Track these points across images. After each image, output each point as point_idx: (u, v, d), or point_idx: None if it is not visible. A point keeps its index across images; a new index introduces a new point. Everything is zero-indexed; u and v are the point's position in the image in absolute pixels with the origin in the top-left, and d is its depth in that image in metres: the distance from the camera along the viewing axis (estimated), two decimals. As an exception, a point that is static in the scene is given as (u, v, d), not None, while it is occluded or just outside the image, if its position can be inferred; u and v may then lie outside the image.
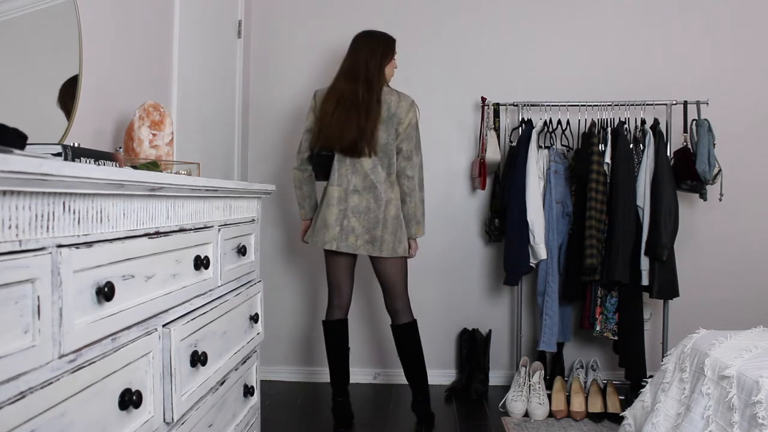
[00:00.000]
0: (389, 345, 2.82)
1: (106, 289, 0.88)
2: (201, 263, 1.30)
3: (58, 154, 1.04)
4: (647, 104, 2.83)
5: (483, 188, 2.93)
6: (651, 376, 2.00)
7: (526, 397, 2.71)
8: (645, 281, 2.68)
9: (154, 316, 1.08)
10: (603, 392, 2.72)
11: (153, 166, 1.50)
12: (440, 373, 3.07)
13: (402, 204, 2.42)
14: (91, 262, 0.86)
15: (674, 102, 2.84)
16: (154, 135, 1.66)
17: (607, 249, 2.65)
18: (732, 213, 3.02)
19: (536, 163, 2.75)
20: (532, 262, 2.75)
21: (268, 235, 3.14)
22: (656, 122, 2.76)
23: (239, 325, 1.58)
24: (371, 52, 2.38)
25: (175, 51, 2.25)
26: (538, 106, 2.92)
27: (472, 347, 3.04)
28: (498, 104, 2.96)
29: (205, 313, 1.31)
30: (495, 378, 3.08)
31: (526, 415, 2.67)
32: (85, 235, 0.86)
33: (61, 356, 0.79)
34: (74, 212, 0.83)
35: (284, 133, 3.15)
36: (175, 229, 1.19)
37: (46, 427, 0.74)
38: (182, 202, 1.23)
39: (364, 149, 2.33)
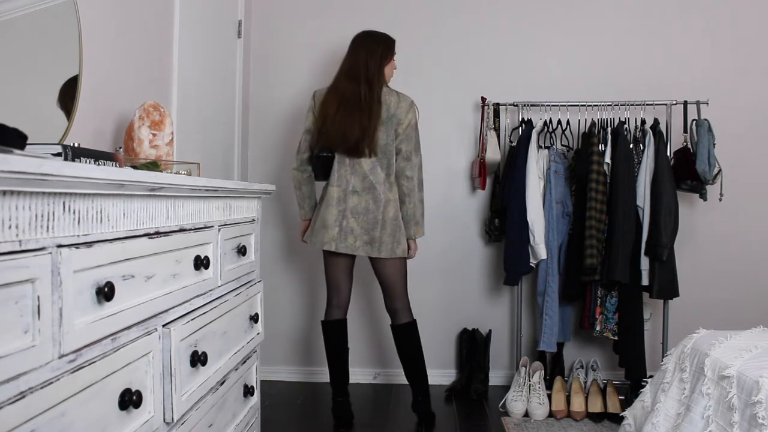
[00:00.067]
0: (389, 345, 2.82)
1: (106, 289, 0.88)
2: (201, 263, 1.30)
3: (58, 154, 1.04)
4: (647, 104, 2.83)
5: (483, 188, 2.93)
6: (651, 376, 2.00)
7: (526, 397, 2.71)
8: (645, 281, 2.68)
9: (154, 316, 1.08)
10: (603, 392, 2.72)
11: (153, 166, 1.50)
12: (440, 373, 3.07)
13: (401, 204, 2.42)
14: (91, 262, 0.86)
15: (674, 102, 2.84)
16: (154, 135, 1.66)
17: (607, 249, 2.65)
18: (732, 213, 3.02)
19: (536, 163, 2.75)
20: (532, 262, 2.75)
21: (268, 235, 3.14)
22: (656, 122, 2.76)
23: (239, 325, 1.58)
24: (371, 52, 2.38)
25: (175, 51, 2.25)
26: (538, 106, 2.92)
27: (472, 347, 3.04)
28: (498, 104, 2.96)
29: (205, 313, 1.31)
30: (495, 378, 3.08)
31: (526, 415, 2.67)
32: (85, 235, 0.86)
33: (61, 356, 0.79)
34: (74, 212, 0.83)
35: (284, 133, 3.15)
36: (175, 229, 1.19)
37: (46, 427, 0.74)
38: (182, 202, 1.23)
39: (364, 150, 2.33)
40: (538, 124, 2.84)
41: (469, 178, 3.13)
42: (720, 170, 2.75)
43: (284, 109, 3.15)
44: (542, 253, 2.71)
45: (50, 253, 0.76)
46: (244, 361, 1.63)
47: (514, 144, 2.89)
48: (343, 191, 2.37)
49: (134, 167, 1.42)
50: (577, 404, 2.66)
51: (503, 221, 2.88)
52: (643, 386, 1.97)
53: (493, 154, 2.88)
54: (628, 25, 3.09)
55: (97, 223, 0.90)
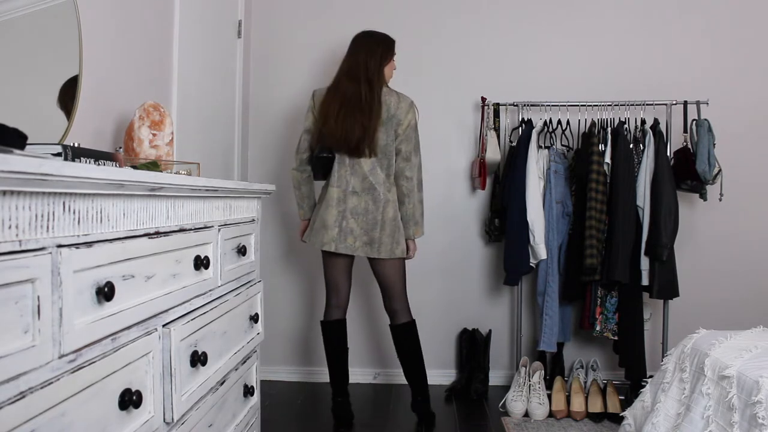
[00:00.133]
0: (389, 345, 2.82)
1: (106, 289, 0.88)
2: (201, 263, 1.30)
3: (58, 154, 1.04)
4: (647, 104, 2.83)
5: (483, 188, 2.93)
6: (651, 376, 2.00)
7: (526, 397, 2.71)
8: (645, 281, 2.68)
9: (154, 316, 1.08)
10: (603, 392, 2.72)
11: (153, 166, 1.50)
12: (440, 373, 3.07)
13: (400, 205, 2.42)
14: (91, 262, 0.86)
15: (674, 102, 2.84)
16: (154, 135, 1.66)
17: (607, 249, 2.65)
18: (732, 213, 3.02)
19: (536, 163, 2.75)
20: (532, 262, 2.75)
21: (267, 235, 3.14)
22: (656, 122, 2.76)
23: (239, 325, 1.58)
24: (371, 52, 2.38)
25: (175, 51, 2.25)
26: (538, 106, 2.92)
27: (472, 347, 3.04)
28: (498, 104, 2.96)
29: (205, 313, 1.31)
30: (495, 378, 3.08)
31: (526, 415, 2.67)
32: (85, 235, 0.86)
33: (61, 356, 0.79)
34: (74, 212, 0.83)
35: (284, 133, 3.15)
36: (175, 229, 1.19)
37: (46, 427, 0.74)
38: (182, 202, 1.23)
39: (365, 150, 2.33)
40: (538, 124, 2.84)
41: (469, 178, 3.13)
42: (720, 170, 2.75)
43: (284, 109, 3.15)
44: (542, 253, 2.71)
45: (50, 253, 0.76)
46: (244, 361, 1.63)
47: (514, 144, 2.89)
48: (342, 192, 2.37)
49: (134, 167, 1.42)
50: (577, 404, 2.66)
51: (503, 221, 2.88)
52: (643, 386, 1.97)
53: (493, 154, 2.88)
54: (628, 25, 3.09)
55: (97, 223, 0.90)
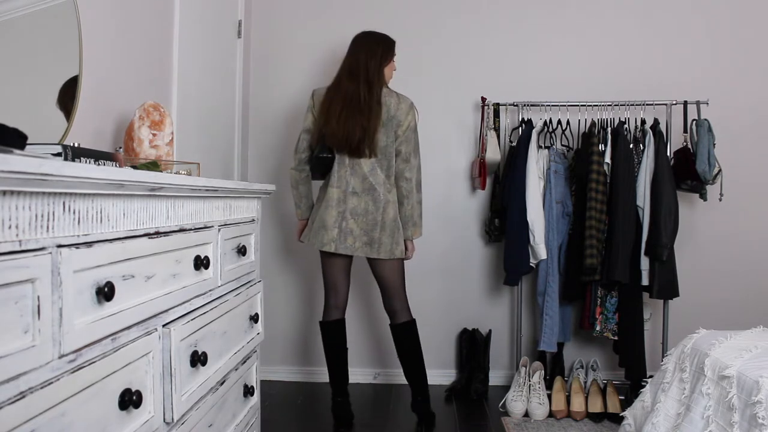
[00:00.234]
0: (389, 345, 2.82)
1: (106, 289, 0.88)
2: (201, 263, 1.30)
3: (58, 154, 1.04)
4: (647, 104, 2.83)
5: (483, 188, 2.93)
6: (651, 376, 2.00)
7: (526, 397, 2.71)
8: (645, 281, 2.68)
9: (154, 316, 1.08)
10: (603, 392, 2.72)
11: (153, 166, 1.50)
12: (440, 373, 3.07)
13: (399, 206, 2.42)
14: (91, 262, 0.86)
15: (674, 102, 2.84)
16: (154, 135, 1.66)
17: (607, 249, 2.65)
18: (732, 213, 3.02)
19: (536, 163, 2.75)
20: (532, 262, 2.75)
21: (265, 235, 3.14)
22: (656, 122, 2.76)
23: (239, 325, 1.58)
24: (371, 52, 2.38)
25: (175, 51, 2.25)
26: (538, 106, 2.92)
27: (472, 347, 3.04)
28: (498, 104, 2.96)
29: (205, 313, 1.31)
30: (495, 378, 3.08)
31: (526, 415, 2.67)
32: (85, 235, 0.86)
33: (61, 356, 0.79)
34: (74, 212, 0.83)
35: (284, 133, 3.15)
36: (175, 229, 1.19)
37: (46, 427, 0.74)
38: (182, 202, 1.23)
39: (365, 150, 2.33)
40: (538, 124, 2.84)
41: (469, 178, 3.13)
42: (720, 170, 2.75)
43: (284, 109, 3.15)
44: (542, 253, 2.71)
45: (50, 253, 0.76)
46: (244, 361, 1.63)
47: (514, 144, 2.89)
48: (342, 192, 2.37)
49: (134, 167, 1.42)
50: (577, 404, 2.66)
51: (503, 221, 2.88)
52: (643, 386, 1.97)
53: (493, 154, 2.88)
54: (628, 25, 3.09)
55: (97, 223, 0.90)
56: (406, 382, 2.55)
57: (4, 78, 1.34)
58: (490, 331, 3.08)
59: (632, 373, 2.68)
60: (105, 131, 1.76)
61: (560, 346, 2.93)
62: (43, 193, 0.75)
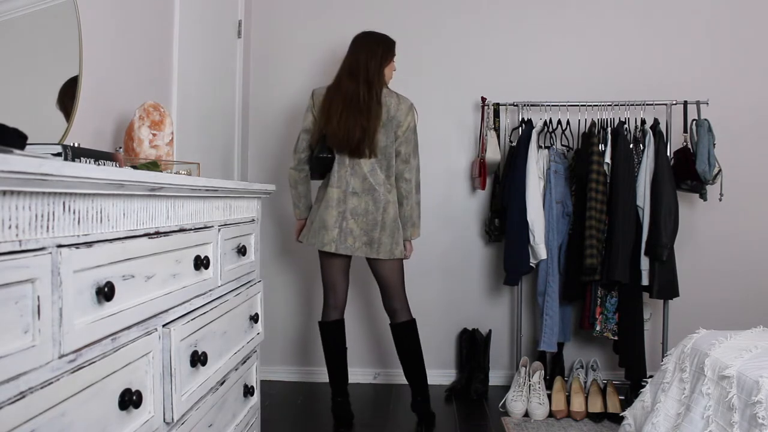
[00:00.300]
0: (389, 345, 2.82)
1: (106, 289, 0.88)
2: (201, 263, 1.30)
3: (58, 154, 1.04)
4: (647, 104, 2.83)
5: (483, 188, 2.93)
6: (651, 376, 2.00)
7: (526, 397, 2.71)
8: (645, 281, 2.68)
9: (154, 316, 1.08)
10: (603, 392, 2.72)
11: (153, 166, 1.50)
12: (440, 373, 3.07)
13: (398, 206, 2.42)
14: (91, 262, 0.86)
15: (674, 102, 2.84)
16: (154, 135, 1.66)
17: (607, 249, 2.65)
18: (732, 213, 3.02)
19: (536, 163, 2.75)
20: (532, 262, 2.75)
21: (263, 234, 3.14)
22: (656, 122, 2.76)
23: (239, 325, 1.58)
24: (371, 53, 2.38)
25: (175, 51, 2.25)
26: (538, 106, 2.92)
27: (472, 347, 3.04)
28: (498, 104, 2.96)
29: (205, 313, 1.31)
30: (495, 378, 3.08)
31: (526, 415, 2.67)
32: (85, 235, 0.86)
33: (61, 356, 0.79)
34: (74, 212, 0.83)
35: (284, 133, 3.15)
36: (175, 229, 1.19)
37: (46, 427, 0.74)
38: (182, 202, 1.23)
39: (365, 150, 2.33)
40: (538, 124, 2.84)
41: (469, 178, 3.13)
42: (720, 170, 2.75)
43: (284, 108, 3.15)
44: (542, 253, 2.71)
45: (50, 253, 0.76)
46: (244, 361, 1.63)
47: (514, 144, 2.89)
48: (343, 192, 2.37)
49: (134, 167, 1.42)
50: (577, 404, 2.66)
51: (503, 221, 2.88)
52: (643, 386, 1.97)
53: (493, 154, 2.88)
54: (628, 25, 3.09)
55: (97, 223, 0.90)
56: (406, 382, 2.55)
57: (4, 78, 1.34)
58: (490, 331, 3.08)
59: (632, 373, 2.68)
60: (105, 131, 1.76)
61: (560, 346, 2.93)
62: (43, 193, 0.75)
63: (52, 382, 0.76)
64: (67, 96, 1.52)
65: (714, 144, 2.72)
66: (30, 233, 0.73)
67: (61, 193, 0.79)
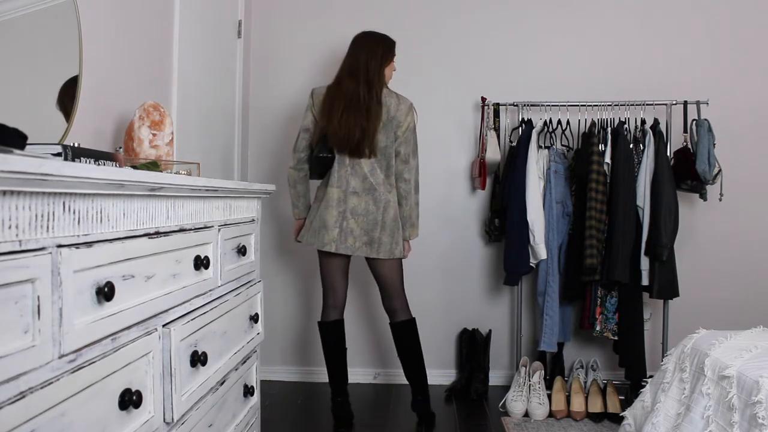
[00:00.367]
0: (389, 345, 2.82)
1: (106, 289, 0.88)
2: (201, 263, 1.30)
3: (58, 154, 1.04)
4: (647, 104, 2.83)
5: (483, 188, 2.93)
6: (651, 376, 2.00)
7: (526, 397, 2.71)
8: (645, 281, 2.68)
9: (154, 316, 1.08)
10: (603, 392, 2.72)
11: (153, 166, 1.50)
12: (440, 373, 3.07)
13: (398, 206, 2.42)
14: (91, 262, 0.86)
15: (674, 102, 2.84)
16: (154, 135, 1.66)
17: (607, 249, 2.65)
18: (732, 213, 3.02)
19: (536, 163, 2.75)
20: (532, 262, 2.75)
21: (264, 235, 3.14)
22: (656, 122, 2.76)
23: (239, 325, 1.58)
24: (371, 53, 2.38)
25: (175, 51, 2.25)
26: (538, 106, 2.92)
27: (472, 347, 3.04)
28: (498, 104, 2.96)
29: (205, 313, 1.31)
30: (495, 378, 3.08)
31: (526, 415, 2.67)
32: (85, 235, 0.86)
33: (61, 356, 0.79)
34: (74, 212, 0.83)
35: (284, 133, 3.15)
36: (175, 229, 1.19)
37: (46, 427, 0.74)
38: (182, 202, 1.23)
39: (365, 150, 2.33)
40: (538, 124, 2.84)
41: (469, 178, 3.13)
42: (720, 170, 2.75)
43: (284, 108, 3.15)
44: (542, 253, 2.71)
45: (50, 253, 0.76)
46: (244, 361, 1.63)
47: (514, 144, 2.89)
48: (343, 192, 2.37)
49: (134, 167, 1.42)
50: (577, 404, 2.66)
51: (503, 221, 2.88)
52: (643, 386, 1.97)
53: (493, 154, 2.88)
54: (628, 25, 3.09)
55: (97, 223, 0.90)
56: (406, 382, 2.55)
57: (4, 78, 1.34)
58: (490, 331, 3.08)
59: (632, 373, 2.68)
60: (105, 131, 1.76)
61: (560, 346, 2.93)
62: (43, 193, 0.75)
63: (52, 382, 0.76)
64: (67, 96, 1.52)
65: (714, 144, 2.72)
66: (30, 233, 0.73)
67: (61, 193, 0.79)
